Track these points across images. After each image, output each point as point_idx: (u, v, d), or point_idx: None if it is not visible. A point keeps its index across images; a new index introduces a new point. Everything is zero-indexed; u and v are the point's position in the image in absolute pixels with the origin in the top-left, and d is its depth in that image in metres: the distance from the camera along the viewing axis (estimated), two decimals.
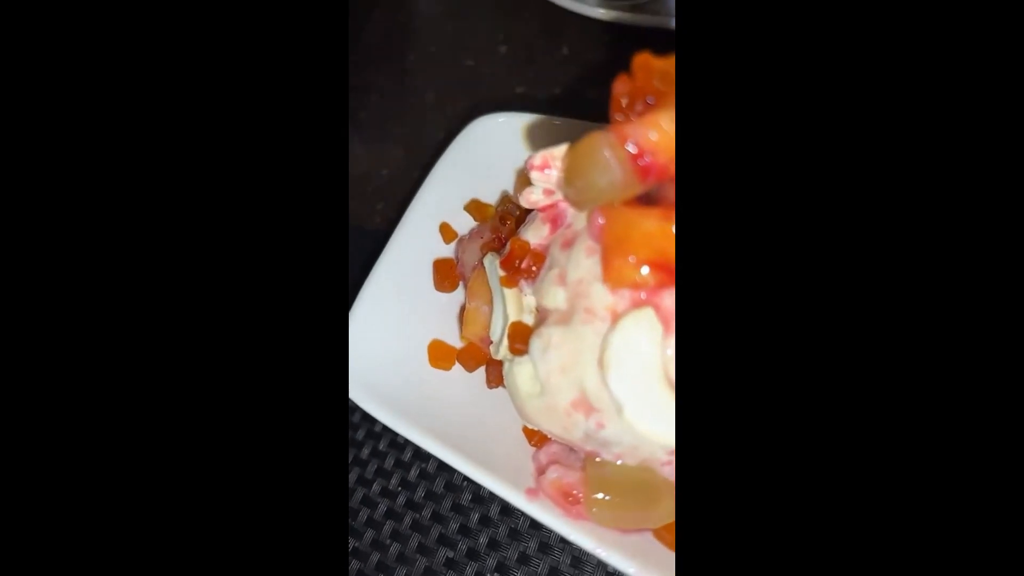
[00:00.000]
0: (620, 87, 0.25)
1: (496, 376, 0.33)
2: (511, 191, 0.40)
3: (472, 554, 0.33)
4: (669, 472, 0.27)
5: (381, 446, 0.37)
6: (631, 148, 0.24)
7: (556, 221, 0.30)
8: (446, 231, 0.38)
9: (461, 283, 0.37)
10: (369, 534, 0.35)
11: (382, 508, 0.35)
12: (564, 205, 0.29)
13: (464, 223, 0.39)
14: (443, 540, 0.34)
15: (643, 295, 0.25)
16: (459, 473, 0.34)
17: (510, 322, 0.30)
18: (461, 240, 0.38)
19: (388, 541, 0.34)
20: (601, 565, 0.32)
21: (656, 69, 0.24)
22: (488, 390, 0.33)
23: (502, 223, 0.35)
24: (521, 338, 0.29)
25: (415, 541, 0.34)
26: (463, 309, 0.35)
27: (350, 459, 0.37)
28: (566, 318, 0.27)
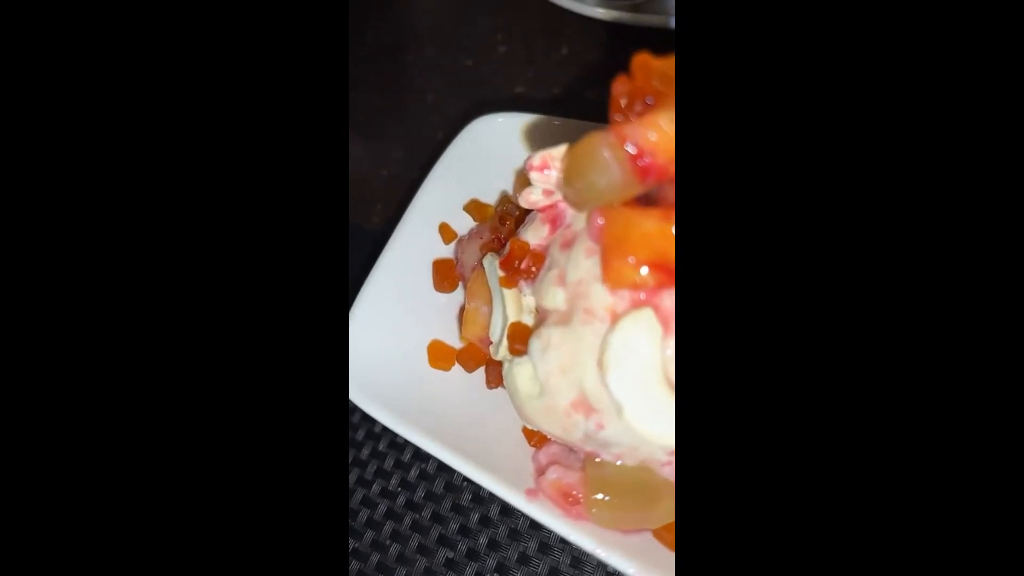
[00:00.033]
0: (619, 87, 0.25)
1: (496, 376, 0.33)
2: (510, 191, 0.40)
3: (472, 554, 0.33)
4: (668, 472, 0.27)
5: (381, 447, 0.37)
6: (630, 149, 0.24)
7: (555, 221, 0.30)
8: (445, 231, 0.38)
9: (461, 283, 0.37)
10: (369, 535, 0.35)
11: (382, 509, 0.35)
12: (563, 205, 0.29)
13: (463, 223, 0.39)
14: (443, 541, 0.34)
15: (642, 296, 0.25)
16: (459, 474, 0.34)
17: (509, 323, 0.30)
18: (460, 240, 0.38)
19: (388, 542, 0.34)
20: (601, 565, 0.32)
21: (655, 69, 0.24)
22: (488, 390, 0.33)
23: (501, 223, 0.35)
24: (520, 339, 0.29)
25: (415, 542, 0.34)
26: (462, 309, 0.35)
27: (350, 460, 0.37)
28: (565, 319, 0.27)
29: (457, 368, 0.35)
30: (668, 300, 0.24)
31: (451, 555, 0.33)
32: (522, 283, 0.30)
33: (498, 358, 0.31)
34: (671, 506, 0.27)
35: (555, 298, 0.28)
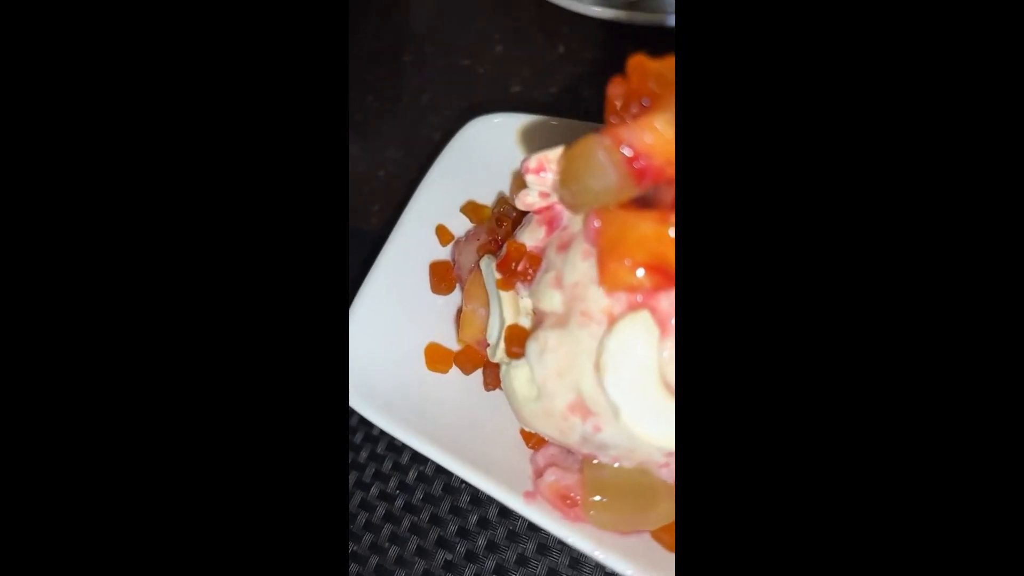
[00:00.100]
0: (615, 89, 0.25)
1: (493, 379, 0.33)
2: (507, 192, 0.40)
3: (471, 556, 0.33)
4: (666, 474, 0.27)
5: (379, 449, 0.37)
6: (626, 151, 0.23)
7: (552, 223, 0.30)
8: (442, 233, 0.38)
9: (458, 285, 0.37)
10: (367, 538, 0.35)
11: (380, 511, 0.35)
12: (560, 207, 0.29)
13: (460, 225, 0.39)
14: (441, 543, 0.34)
15: (639, 298, 0.25)
16: (457, 476, 0.34)
17: (507, 325, 0.30)
18: (457, 242, 0.38)
19: (386, 544, 0.34)
20: (599, 566, 0.32)
21: (651, 71, 0.24)
22: (485, 393, 0.33)
23: (498, 225, 0.35)
24: (518, 341, 0.29)
25: (413, 544, 0.34)
26: (460, 312, 0.35)
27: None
28: (562, 321, 0.27)
29: (454, 370, 0.35)
30: (664, 302, 0.24)
31: (450, 557, 0.33)
32: (519, 285, 0.30)
33: (495, 360, 0.31)
34: (669, 507, 0.27)
35: (552, 300, 0.28)
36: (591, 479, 0.28)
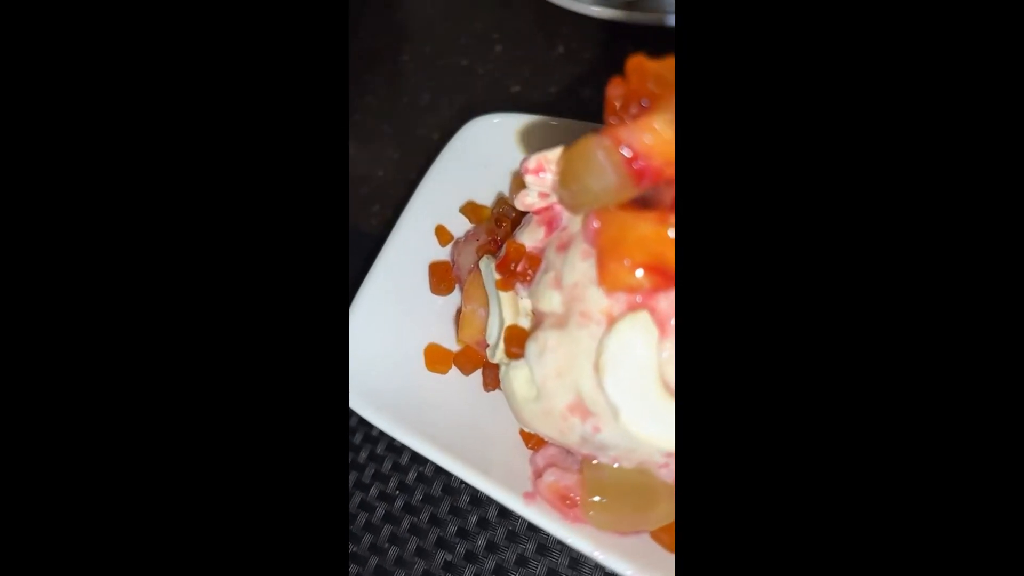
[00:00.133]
0: (614, 90, 0.25)
1: (493, 379, 0.33)
2: (507, 192, 0.40)
3: (470, 557, 0.33)
4: (666, 475, 0.27)
5: (378, 450, 0.37)
6: (625, 152, 0.23)
7: (551, 223, 0.30)
8: (442, 233, 0.38)
9: (457, 286, 0.37)
10: (367, 538, 0.35)
11: (380, 512, 0.35)
12: (559, 208, 0.29)
13: (460, 225, 0.39)
14: (441, 543, 0.34)
15: (638, 298, 0.25)
16: (457, 476, 0.34)
17: (506, 325, 0.30)
18: (457, 243, 0.38)
19: (386, 545, 0.34)
20: (599, 567, 0.32)
21: (650, 72, 0.24)
22: (485, 393, 0.33)
23: (498, 225, 0.35)
24: (517, 342, 0.29)
25: (413, 544, 0.34)
26: (459, 312, 0.35)
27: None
28: (562, 322, 0.27)
29: (454, 371, 0.35)
30: (664, 303, 0.24)
31: (449, 558, 0.33)
32: (518, 286, 0.30)
33: (495, 361, 0.31)
34: (668, 508, 0.27)
35: (551, 301, 0.28)
36: (590, 480, 0.28)
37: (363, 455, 0.37)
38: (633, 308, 0.25)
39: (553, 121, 0.39)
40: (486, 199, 0.40)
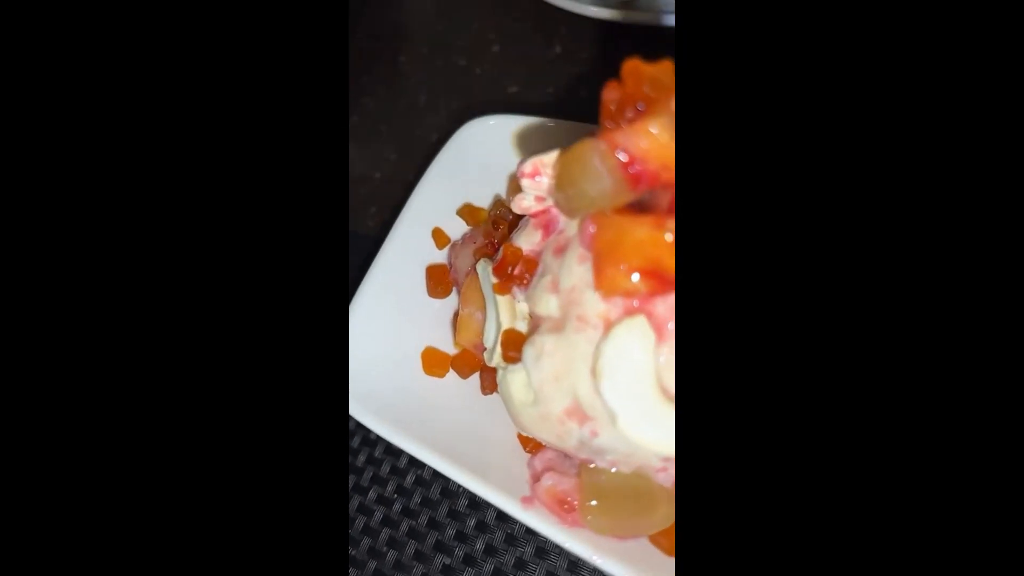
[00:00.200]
0: (610, 94, 0.25)
1: (490, 383, 0.33)
2: (504, 194, 0.40)
3: (469, 560, 0.33)
4: (664, 479, 0.27)
5: (376, 453, 0.37)
6: (621, 156, 0.23)
7: (548, 227, 0.30)
8: (439, 236, 0.38)
9: (454, 289, 0.37)
10: (366, 542, 0.35)
11: (378, 515, 0.35)
12: (556, 211, 0.29)
13: (457, 228, 0.39)
14: (440, 547, 0.34)
15: (635, 303, 0.25)
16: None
17: (503, 329, 0.30)
18: (454, 245, 0.37)
19: (385, 548, 0.34)
20: (597, 570, 0.32)
21: (646, 75, 0.24)
22: (482, 396, 0.33)
23: (495, 228, 0.35)
24: (514, 346, 0.29)
25: (412, 548, 0.34)
26: (456, 315, 0.35)
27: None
28: (559, 326, 0.27)
29: (451, 374, 0.34)
30: (661, 307, 0.24)
31: (448, 561, 0.33)
32: (515, 289, 0.30)
33: (492, 364, 0.31)
34: (667, 512, 0.27)
35: (548, 305, 0.27)
36: (588, 484, 0.28)
37: (361, 458, 0.37)
38: (630, 312, 0.25)
39: (550, 122, 0.39)
40: (483, 201, 0.40)
